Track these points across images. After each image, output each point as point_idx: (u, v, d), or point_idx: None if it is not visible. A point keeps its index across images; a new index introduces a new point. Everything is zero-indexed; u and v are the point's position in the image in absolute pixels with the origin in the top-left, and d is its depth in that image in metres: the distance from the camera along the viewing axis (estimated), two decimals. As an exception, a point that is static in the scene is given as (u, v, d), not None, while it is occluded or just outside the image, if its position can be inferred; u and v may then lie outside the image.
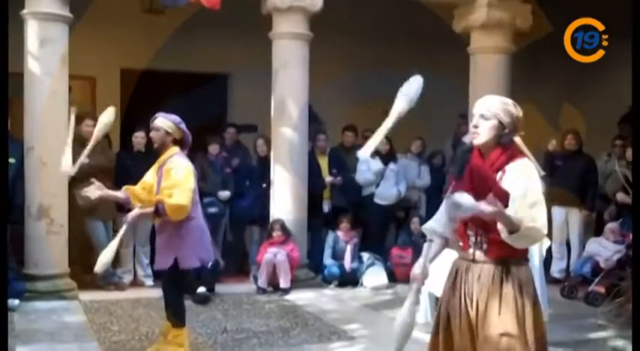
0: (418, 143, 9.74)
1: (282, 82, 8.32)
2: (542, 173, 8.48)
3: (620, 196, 8.20)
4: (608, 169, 8.70)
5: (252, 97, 9.63)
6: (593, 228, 9.00)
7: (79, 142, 7.68)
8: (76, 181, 7.52)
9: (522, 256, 3.28)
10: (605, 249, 7.75)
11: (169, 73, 10.06)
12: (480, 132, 3.25)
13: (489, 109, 3.28)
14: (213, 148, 8.81)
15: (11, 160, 7.11)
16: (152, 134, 5.30)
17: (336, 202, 9.08)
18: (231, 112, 10.81)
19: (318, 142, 9.14)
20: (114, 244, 5.21)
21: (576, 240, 8.65)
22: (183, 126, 5.27)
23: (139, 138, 8.00)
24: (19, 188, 7.23)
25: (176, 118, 5.29)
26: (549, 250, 6.86)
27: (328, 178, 8.94)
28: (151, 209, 5.07)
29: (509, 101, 3.35)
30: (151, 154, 7.79)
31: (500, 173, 3.19)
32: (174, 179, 5.03)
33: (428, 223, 3.60)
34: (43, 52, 7.23)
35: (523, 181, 3.13)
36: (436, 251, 3.52)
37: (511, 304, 3.15)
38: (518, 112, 3.32)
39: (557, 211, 8.71)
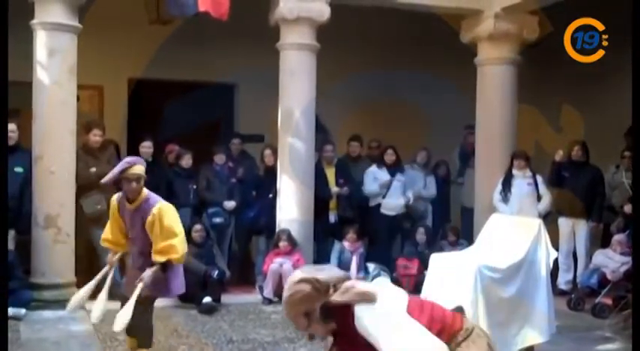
0: (423, 154, 9.73)
1: (289, 92, 8.34)
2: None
3: (628, 208, 8.16)
4: (615, 181, 8.68)
5: (258, 107, 9.65)
6: (600, 239, 8.97)
7: (86, 152, 7.75)
8: (83, 190, 7.58)
9: None
10: (612, 261, 7.72)
11: (176, 83, 10.09)
12: None
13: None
14: (219, 158, 8.83)
15: (19, 170, 7.14)
16: (134, 186, 4.98)
17: (342, 212, 9.07)
18: (238, 122, 10.83)
19: (325, 152, 9.15)
20: (132, 303, 5.14)
21: (583, 251, 8.61)
22: None
23: (146, 147, 8.03)
24: (26, 197, 7.25)
25: (137, 158, 5.33)
26: (556, 262, 6.84)
27: (335, 189, 8.94)
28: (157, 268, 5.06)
29: None
30: (158, 164, 7.88)
31: None
32: (170, 230, 4.98)
33: None
34: (52, 61, 7.28)
35: None
36: None
37: None
38: None
39: (564, 223, 8.69)
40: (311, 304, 2.70)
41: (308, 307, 2.71)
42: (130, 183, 4.99)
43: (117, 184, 5.19)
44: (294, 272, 2.85)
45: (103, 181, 5.26)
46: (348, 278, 2.82)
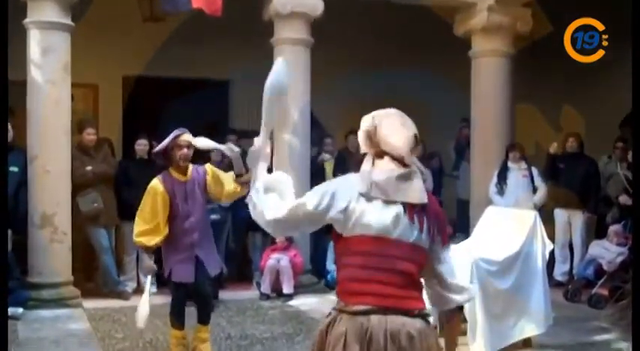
0: (419, 147, 9.70)
1: (284, 87, 8.32)
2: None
3: (623, 199, 8.19)
4: (608, 171, 8.71)
5: (253, 103, 9.53)
6: (595, 230, 9.00)
7: (81, 150, 7.75)
8: (79, 189, 7.58)
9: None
10: (608, 251, 7.75)
11: (171, 80, 10.07)
12: None
13: None
14: (216, 155, 8.81)
15: (14, 169, 7.12)
16: (185, 152, 5.19)
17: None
18: (233, 119, 10.81)
19: (326, 146, 9.18)
20: (146, 297, 5.21)
21: (579, 243, 8.65)
22: None
23: (141, 145, 8.01)
24: (22, 197, 7.24)
25: (183, 129, 5.33)
26: (552, 253, 6.86)
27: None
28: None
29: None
30: (153, 162, 7.85)
31: None
32: (225, 174, 5.22)
33: None
34: (46, 60, 7.26)
35: None
36: None
37: None
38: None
39: (560, 214, 8.73)
40: None
41: None
42: (181, 149, 5.17)
43: (165, 154, 5.22)
44: None
45: (155, 150, 5.34)
46: None
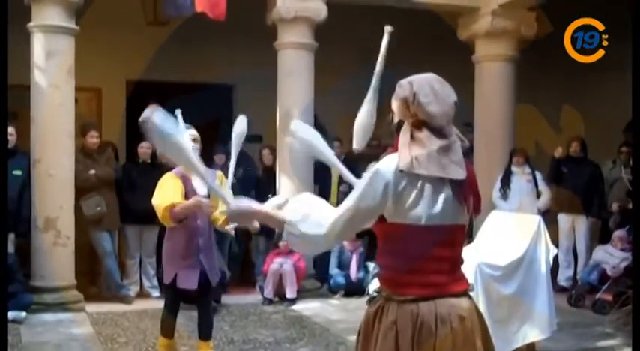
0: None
1: (288, 91, 8.34)
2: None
3: (615, 205, 8.23)
4: (612, 177, 8.69)
5: (257, 107, 9.61)
6: (599, 235, 8.98)
7: (85, 154, 7.76)
8: (82, 193, 7.58)
9: None
10: (612, 256, 7.72)
11: (175, 84, 10.08)
12: None
13: None
14: (219, 159, 8.82)
15: (17, 173, 7.14)
16: (195, 145, 5.14)
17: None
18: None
19: (334, 150, 9.16)
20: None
21: (583, 248, 8.62)
22: None
23: (144, 148, 8.01)
24: (25, 201, 7.25)
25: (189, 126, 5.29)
26: (556, 258, 6.84)
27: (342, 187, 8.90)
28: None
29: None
30: (157, 165, 7.86)
31: None
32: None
33: None
34: (50, 64, 7.27)
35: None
36: None
37: None
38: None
39: (564, 219, 8.70)
40: None
41: None
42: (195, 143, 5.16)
43: None
44: None
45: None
46: None
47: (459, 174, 2.53)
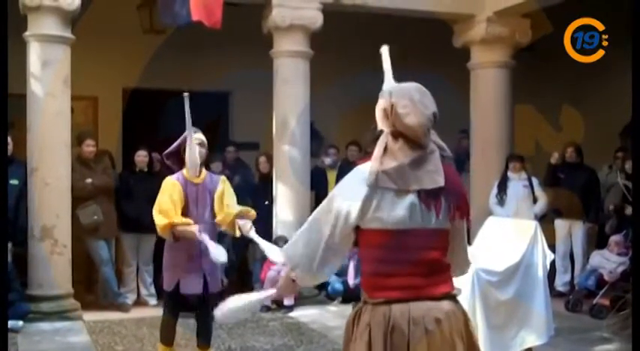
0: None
1: (284, 99, 8.36)
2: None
3: (611, 207, 8.25)
4: (608, 182, 8.71)
5: (253, 114, 9.66)
6: (595, 240, 8.99)
7: (81, 163, 7.76)
8: (79, 201, 7.58)
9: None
10: (609, 261, 7.73)
11: (171, 92, 10.08)
12: None
13: None
14: (216, 166, 8.81)
15: (14, 182, 7.12)
16: (201, 150, 5.15)
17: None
18: (233, 130, 10.83)
19: (330, 156, 9.20)
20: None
21: (580, 253, 8.63)
22: None
23: (141, 156, 8.01)
24: (22, 209, 7.24)
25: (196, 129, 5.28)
26: (553, 264, 6.85)
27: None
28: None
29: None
30: (154, 173, 7.87)
31: None
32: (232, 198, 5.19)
33: None
34: (46, 73, 7.27)
35: None
36: None
37: None
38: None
39: (561, 224, 8.71)
40: None
41: None
42: (200, 149, 5.15)
43: (178, 155, 5.19)
44: None
45: (168, 151, 5.28)
46: None
47: (435, 182, 2.57)
